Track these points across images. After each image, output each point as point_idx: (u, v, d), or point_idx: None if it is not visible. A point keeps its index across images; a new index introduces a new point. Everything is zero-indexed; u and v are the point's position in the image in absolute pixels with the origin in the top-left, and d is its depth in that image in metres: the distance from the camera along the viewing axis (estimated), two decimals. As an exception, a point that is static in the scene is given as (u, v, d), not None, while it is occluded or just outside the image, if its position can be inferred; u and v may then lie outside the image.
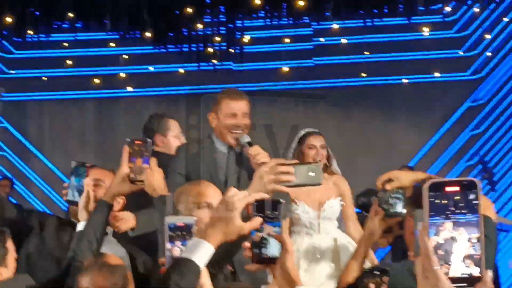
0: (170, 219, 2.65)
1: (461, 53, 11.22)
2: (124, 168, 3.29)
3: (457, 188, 1.63)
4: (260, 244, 2.33)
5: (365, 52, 11.34)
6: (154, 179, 3.40)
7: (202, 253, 2.29)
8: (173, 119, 5.48)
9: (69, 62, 11.57)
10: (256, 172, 2.63)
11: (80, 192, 3.61)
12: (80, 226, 3.42)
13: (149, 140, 3.41)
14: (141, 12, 9.54)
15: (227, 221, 2.31)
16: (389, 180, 3.29)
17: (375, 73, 11.35)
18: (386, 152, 11.17)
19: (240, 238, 2.32)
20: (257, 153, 4.40)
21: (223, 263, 3.00)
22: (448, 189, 1.64)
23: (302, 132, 5.49)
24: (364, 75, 11.38)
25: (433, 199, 1.64)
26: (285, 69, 11.21)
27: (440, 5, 10.45)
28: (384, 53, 11.28)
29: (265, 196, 2.38)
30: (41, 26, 10.60)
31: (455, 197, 1.63)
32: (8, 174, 11.34)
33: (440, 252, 1.63)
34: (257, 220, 2.31)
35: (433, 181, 1.65)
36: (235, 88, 4.94)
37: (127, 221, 4.00)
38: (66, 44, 11.43)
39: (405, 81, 11.34)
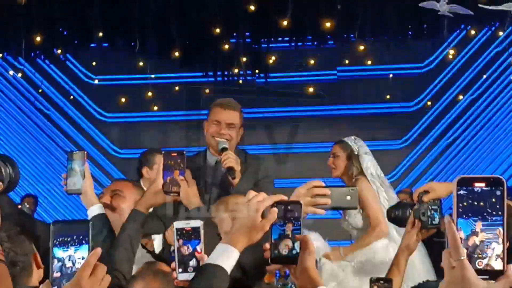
0: (178, 224, 2.65)
1: (484, 76, 11.22)
2: (160, 180, 3.33)
3: (483, 184, 1.69)
4: (280, 244, 2.37)
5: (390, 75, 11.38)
6: (189, 191, 3.45)
7: (228, 258, 2.34)
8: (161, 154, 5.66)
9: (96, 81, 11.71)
10: (293, 193, 2.66)
11: (79, 179, 3.57)
12: (91, 212, 3.46)
13: (184, 152, 3.45)
14: (169, 32, 9.63)
15: (249, 224, 2.36)
16: (426, 192, 3.31)
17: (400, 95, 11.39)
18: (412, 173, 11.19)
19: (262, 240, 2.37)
20: (226, 158, 4.40)
21: (258, 274, 3.03)
22: (476, 185, 1.69)
23: None
24: (388, 97, 11.41)
25: (460, 194, 1.69)
26: (310, 89, 11.28)
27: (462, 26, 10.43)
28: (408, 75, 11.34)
29: (284, 198, 2.42)
30: (69, 46, 10.75)
31: (482, 193, 1.69)
32: (33, 191, 11.44)
33: (470, 247, 1.68)
34: (273, 211, 2.34)
35: (462, 176, 1.70)
36: (230, 98, 4.89)
37: None
38: (94, 63, 11.58)
39: (428, 103, 11.35)
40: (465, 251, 1.66)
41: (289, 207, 2.38)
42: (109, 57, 11.54)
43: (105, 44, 10.80)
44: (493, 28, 10.36)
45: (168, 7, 9.25)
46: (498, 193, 1.68)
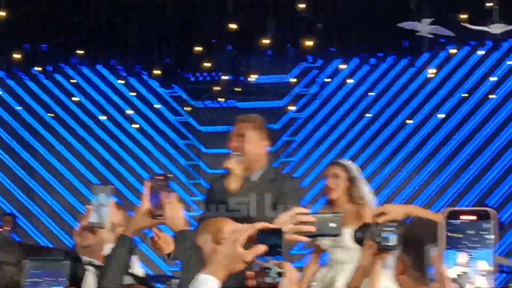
0: None
1: (464, 94, 11.28)
2: (146, 203, 3.33)
3: (473, 218, 1.69)
4: (263, 272, 2.37)
5: (370, 93, 11.45)
6: (175, 214, 3.44)
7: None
8: None
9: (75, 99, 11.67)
10: (276, 220, 2.66)
11: (104, 212, 3.53)
12: (109, 249, 3.45)
13: (170, 175, 3.45)
14: (149, 50, 9.65)
15: (229, 254, 2.36)
16: (382, 214, 3.31)
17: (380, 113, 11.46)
18: (386, 190, 11.22)
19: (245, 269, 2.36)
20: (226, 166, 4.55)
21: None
22: (463, 217, 1.69)
23: None
24: (369, 115, 11.46)
25: (449, 227, 1.70)
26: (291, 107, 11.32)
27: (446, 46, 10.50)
28: (388, 93, 11.39)
29: (268, 226, 2.41)
30: (48, 63, 10.72)
31: (470, 227, 1.69)
32: (12, 210, 11.34)
33: (455, 283, 1.68)
34: (260, 247, 2.34)
35: (451, 209, 1.70)
36: (252, 114, 5.02)
37: (168, 245, 4.09)
38: (73, 81, 11.55)
39: (408, 121, 11.40)
40: (452, 286, 1.66)
41: (271, 235, 2.40)
42: (89, 75, 11.58)
43: (85, 62, 10.83)
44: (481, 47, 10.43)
45: (149, 25, 9.26)
46: (487, 225, 1.69)
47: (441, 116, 11.23)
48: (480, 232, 1.68)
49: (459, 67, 11.21)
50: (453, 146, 11.29)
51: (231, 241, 2.36)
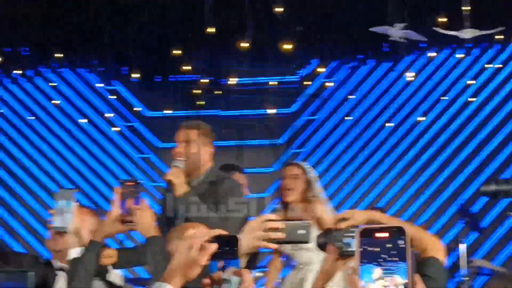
0: None
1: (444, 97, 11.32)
2: (116, 209, 3.34)
3: (386, 235, 1.73)
4: (219, 279, 2.37)
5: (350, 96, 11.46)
6: (145, 220, 3.45)
7: None
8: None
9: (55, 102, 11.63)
10: (246, 227, 2.67)
11: (67, 217, 3.54)
12: (73, 253, 3.45)
13: (140, 181, 3.46)
14: (128, 53, 9.64)
15: (184, 260, 2.35)
16: (344, 219, 3.34)
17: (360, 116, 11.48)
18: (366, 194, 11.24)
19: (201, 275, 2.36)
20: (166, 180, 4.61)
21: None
22: (378, 235, 1.74)
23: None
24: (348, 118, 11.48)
25: (364, 245, 1.74)
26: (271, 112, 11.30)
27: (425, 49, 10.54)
28: (369, 96, 11.41)
29: (222, 232, 2.40)
30: (28, 65, 10.68)
31: (385, 244, 1.73)
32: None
33: None
34: (211, 246, 2.32)
35: (364, 227, 1.74)
36: (200, 121, 5.09)
37: (110, 257, 4.11)
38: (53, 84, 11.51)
39: (389, 125, 11.42)
40: None
41: (226, 242, 2.37)
42: (68, 78, 11.53)
43: (65, 64, 10.80)
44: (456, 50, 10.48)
45: (128, 28, 9.26)
46: (400, 242, 1.73)
47: (421, 119, 11.26)
48: (395, 247, 1.72)
49: (437, 71, 11.24)
50: (433, 148, 11.33)
51: (186, 247, 2.36)
